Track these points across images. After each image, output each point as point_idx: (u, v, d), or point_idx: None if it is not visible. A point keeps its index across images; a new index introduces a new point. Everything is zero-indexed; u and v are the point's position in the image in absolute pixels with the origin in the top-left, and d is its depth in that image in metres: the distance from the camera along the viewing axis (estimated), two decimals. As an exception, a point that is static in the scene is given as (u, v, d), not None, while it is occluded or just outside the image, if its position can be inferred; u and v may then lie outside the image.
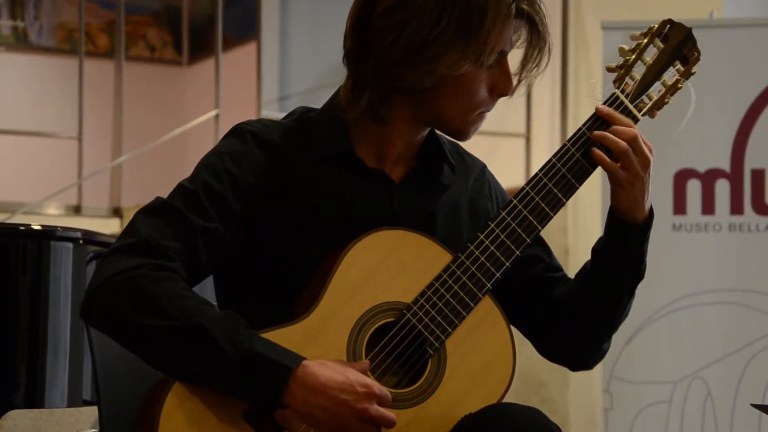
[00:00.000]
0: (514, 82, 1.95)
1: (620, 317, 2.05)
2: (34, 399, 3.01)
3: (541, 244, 2.09)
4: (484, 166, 2.13)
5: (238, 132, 1.96)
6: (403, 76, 1.90)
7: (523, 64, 1.94)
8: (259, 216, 1.91)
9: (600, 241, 2.03)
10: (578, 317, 2.04)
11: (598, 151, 1.95)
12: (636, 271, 2.02)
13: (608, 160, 1.94)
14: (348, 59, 1.95)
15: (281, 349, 1.80)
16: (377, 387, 1.80)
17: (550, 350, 2.10)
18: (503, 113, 5.71)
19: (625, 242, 1.99)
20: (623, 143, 1.94)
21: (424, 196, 2.00)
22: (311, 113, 2.01)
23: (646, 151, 1.95)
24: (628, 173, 1.94)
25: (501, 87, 1.94)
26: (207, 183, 1.90)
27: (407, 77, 1.90)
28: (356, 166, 1.96)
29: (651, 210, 2.00)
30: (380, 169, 1.98)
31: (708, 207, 4.20)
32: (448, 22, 1.86)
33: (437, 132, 2.03)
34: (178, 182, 1.93)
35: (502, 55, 1.93)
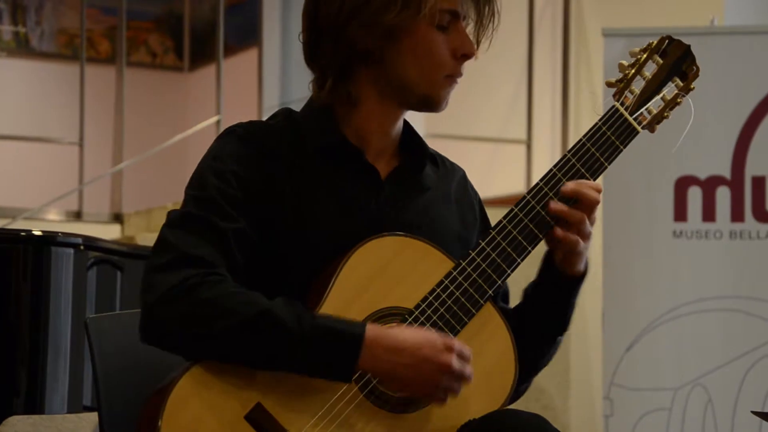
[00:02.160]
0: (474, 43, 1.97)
1: (544, 359, 2.07)
2: (35, 405, 3.01)
3: None
4: (464, 172, 2.14)
5: (233, 134, 1.97)
6: (355, 37, 1.92)
7: (476, 21, 1.97)
8: (262, 215, 1.92)
9: (533, 286, 2.05)
10: None
11: (554, 203, 1.94)
12: (566, 319, 2.04)
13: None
14: (307, 56, 1.99)
15: (343, 319, 1.83)
16: (456, 341, 1.83)
17: None
18: (504, 120, 5.71)
19: (564, 292, 2.02)
20: (580, 214, 1.94)
21: (408, 194, 2.01)
22: (295, 114, 2.02)
23: (594, 216, 1.97)
24: (584, 238, 1.95)
25: (462, 48, 1.96)
26: (220, 188, 1.90)
27: (360, 37, 1.92)
28: (350, 157, 1.97)
29: (586, 261, 2.01)
30: (372, 164, 1.98)
31: (709, 214, 4.19)
32: None
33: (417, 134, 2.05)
34: (187, 193, 1.93)
35: (455, 17, 1.95)
